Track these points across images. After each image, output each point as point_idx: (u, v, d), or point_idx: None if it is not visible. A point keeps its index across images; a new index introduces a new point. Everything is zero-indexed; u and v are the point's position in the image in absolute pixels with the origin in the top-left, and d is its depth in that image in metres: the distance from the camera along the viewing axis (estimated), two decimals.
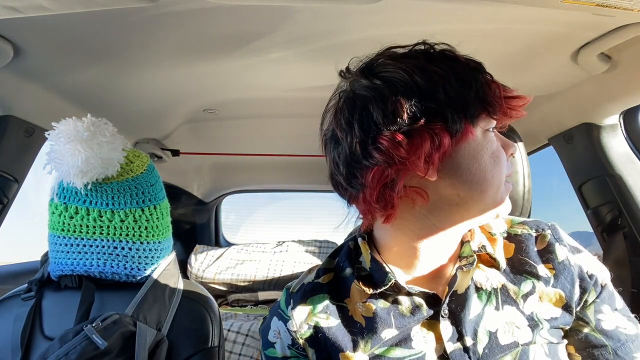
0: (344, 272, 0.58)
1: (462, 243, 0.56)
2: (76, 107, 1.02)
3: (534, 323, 0.51)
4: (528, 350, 0.50)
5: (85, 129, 0.69)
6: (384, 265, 0.54)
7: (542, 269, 0.54)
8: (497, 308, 0.52)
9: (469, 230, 0.56)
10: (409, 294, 0.53)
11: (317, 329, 0.56)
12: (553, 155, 1.19)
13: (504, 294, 0.53)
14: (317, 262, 1.97)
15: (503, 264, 0.54)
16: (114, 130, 0.74)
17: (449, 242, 0.55)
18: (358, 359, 0.53)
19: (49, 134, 0.71)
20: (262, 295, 1.87)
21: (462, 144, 0.48)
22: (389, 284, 0.53)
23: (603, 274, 0.55)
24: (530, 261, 0.55)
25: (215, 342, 0.75)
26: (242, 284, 1.91)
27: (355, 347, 0.54)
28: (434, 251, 0.54)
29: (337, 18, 0.73)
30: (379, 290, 0.53)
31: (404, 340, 0.53)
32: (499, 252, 0.55)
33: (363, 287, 0.54)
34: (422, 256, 0.54)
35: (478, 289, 0.53)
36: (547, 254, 0.55)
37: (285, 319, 0.58)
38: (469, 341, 0.51)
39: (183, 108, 1.21)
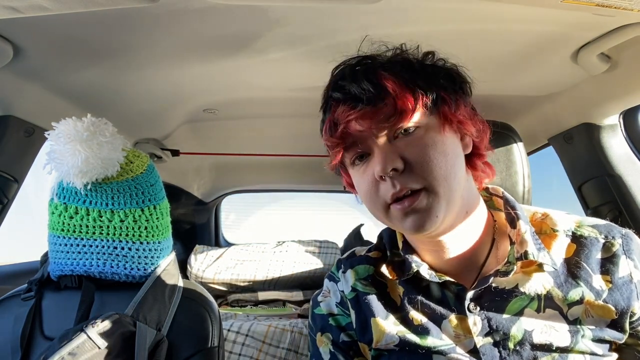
0: (387, 254, 0.61)
1: (512, 242, 0.54)
2: (76, 107, 1.02)
3: (574, 329, 0.50)
4: (567, 358, 0.49)
5: (85, 129, 0.69)
6: (411, 254, 0.57)
7: (597, 280, 0.51)
8: (538, 310, 0.51)
9: (515, 229, 0.54)
10: (439, 282, 0.55)
11: (358, 292, 0.60)
12: (553, 155, 1.19)
13: (548, 299, 0.51)
14: (317, 262, 1.97)
15: (550, 266, 0.51)
16: (114, 130, 0.74)
17: (457, 236, 0.54)
18: (388, 329, 0.56)
19: (49, 134, 0.71)
20: (262, 295, 1.87)
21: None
22: (412, 272, 0.55)
23: None
24: (588, 268, 0.51)
25: (215, 342, 0.75)
26: (242, 284, 1.91)
27: (387, 318, 0.57)
28: (448, 243, 0.54)
29: (337, 18, 0.73)
30: (403, 278, 0.57)
31: (435, 331, 0.54)
32: (556, 250, 0.53)
33: (388, 274, 0.58)
34: (444, 246, 0.55)
35: (520, 291, 0.52)
36: (608, 264, 0.51)
37: (336, 280, 0.64)
38: (500, 336, 0.51)
39: (183, 108, 1.21)
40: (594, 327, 0.50)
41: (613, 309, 0.50)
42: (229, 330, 1.37)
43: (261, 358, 1.32)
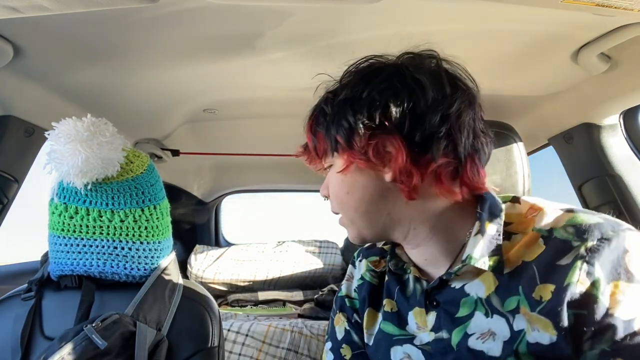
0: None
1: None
2: (76, 107, 1.02)
3: (511, 342, 0.47)
4: None
5: (85, 129, 0.69)
6: (394, 248, 0.61)
7: (539, 290, 0.46)
8: (486, 315, 0.50)
9: (476, 226, 0.52)
10: (415, 276, 0.58)
11: (364, 281, 0.66)
12: (553, 155, 1.19)
13: (490, 304, 0.50)
14: (317, 262, 1.97)
15: (482, 267, 0.49)
16: (114, 130, 0.74)
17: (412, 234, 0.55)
18: (376, 319, 0.62)
19: (49, 134, 0.71)
20: (262, 295, 1.87)
21: None
22: (387, 266, 0.61)
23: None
24: (537, 275, 0.47)
25: (215, 342, 0.75)
26: (242, 284, 1.91)
27: (379, 310, 0.62)
28: (410, 240, 0.56)
29: (337, 18, 0.73)
30: (379, 270, 0.64)
31: (401, 321, 0.58)
32: (520, 253, 0.49)
33: (375, 266, 0.65)
34: (409, 247, 0.58)
35: (465, 292, 0.52)
36: (561, 271, 0.45)
37: (354, 266, 0.70)
38: (445, 334, 0.52)
39: (183, 108, 1.21)
40: (534, 342, 0.45)
41: (550, 323, 0.44)
42: (229, 330, 1.37)
43: (261, 358, 1.32)
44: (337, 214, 0.58)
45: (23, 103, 0.93)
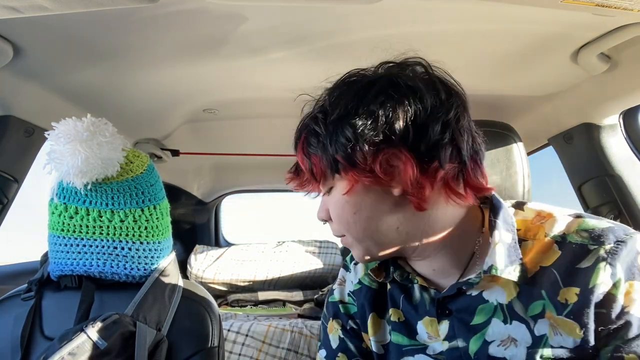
0: None
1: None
2: (76, 107, 1.02)
3: (534, 348, 0.47)
4: None
5: (85, 129, 0.69)
6: (396, 258, 0.58)
7: (564, 293, 0.47)
8: (505, 322, 0.50)
9: (484, 232, 0.53)
10: (421, 285, 0.57)
11: (362, 285, 0.64)
12: (553, 155, 1.19)
13: (511, 310, 0.49)
14: (317, 262, 1.97)
15: (510, 278, 0.49)
16: (114, 130, 0.74)
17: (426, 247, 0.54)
18: (382, 326, 0.60)
19: (49, 134, 0.71)
20: (262, 295, 1.87)
21: None
22: (391, 276, 0.58)
23: None
24: (559, 279, 0.47)
25: (215, 342, 0.75)
26: (242, 284, 1.91)
27: (382, 317, 0.61)
28: (420, 252, 0.55)
29: (337, 18, 0.73)
30: (385, 280, 0.60)
31: (410, 331, 0.57)
32: (537, 259, 0.49)
33: (375, 274, 0.60)
34: (417, 259, 0.56)
35: (483, 299, 0.51)
36: (584, 274, 0.46)
37: (348, 270, 0.68)
38: (461, 343, 0.52)
39: (183, 108, 1.21)
40: (559, 347, 0.46)
41: (577, 325, 0.45)
42: (229, 330, 1.37)
43: (261, 358, 1.32)
44: (342, 236, 0.56)
45: (23, 103, 0.93)
